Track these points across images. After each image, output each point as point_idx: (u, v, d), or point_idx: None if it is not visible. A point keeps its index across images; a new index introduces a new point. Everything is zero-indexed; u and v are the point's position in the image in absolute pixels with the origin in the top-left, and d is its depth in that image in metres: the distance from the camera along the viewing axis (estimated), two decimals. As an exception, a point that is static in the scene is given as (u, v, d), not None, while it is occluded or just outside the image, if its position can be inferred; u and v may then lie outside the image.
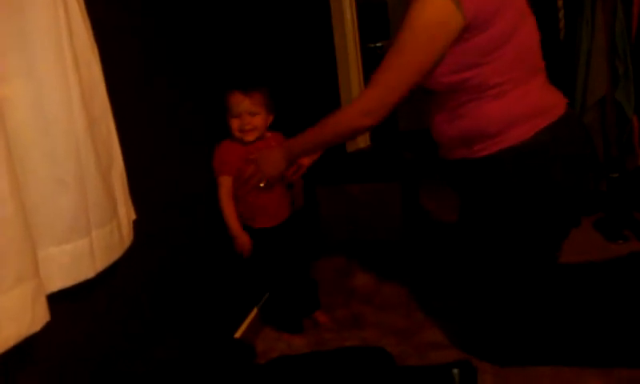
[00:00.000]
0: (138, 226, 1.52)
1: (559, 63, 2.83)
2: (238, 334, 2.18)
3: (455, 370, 1.69)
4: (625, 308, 1.79)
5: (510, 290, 1.76)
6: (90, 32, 1.32)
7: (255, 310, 2.34)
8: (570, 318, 1.79)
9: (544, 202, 1.67)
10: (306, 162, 2.19)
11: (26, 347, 1.14)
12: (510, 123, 1.64)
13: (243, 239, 2.12)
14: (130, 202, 1.49)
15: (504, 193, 1.70)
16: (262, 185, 2.04)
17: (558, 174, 1.65)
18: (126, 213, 1.45)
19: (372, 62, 3.75)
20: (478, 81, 1.61)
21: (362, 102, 1.71)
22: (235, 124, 2.08)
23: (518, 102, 1.63)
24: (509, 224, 1.72)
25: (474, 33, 1.53)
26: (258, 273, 2.28)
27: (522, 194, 1.68)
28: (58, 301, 1.20)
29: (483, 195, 1.76)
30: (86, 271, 1.26)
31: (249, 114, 2.07)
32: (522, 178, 1.66)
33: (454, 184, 1.87)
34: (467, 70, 1.60)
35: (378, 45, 3.98)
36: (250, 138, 2.10)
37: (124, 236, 1.42)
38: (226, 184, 2.10)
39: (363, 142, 3.77)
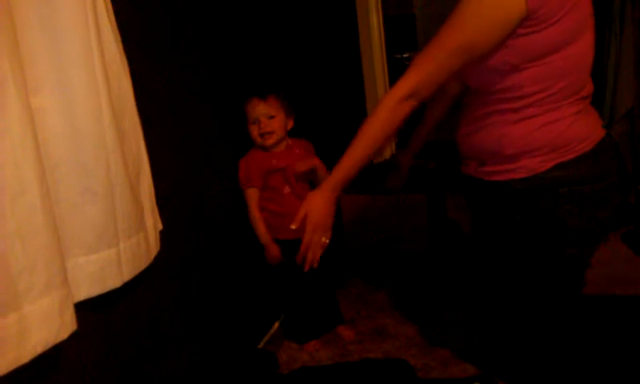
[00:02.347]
0: (164, 236, 1.55)
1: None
2: (261, 344, 2.19)
3: (477, 384, 1.69)
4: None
5: (524, 313, 1.70)
6: (120, 46, 1.35)
7: (279, 321, 2.35)
8: (589, 345, 1.75)
9: (549, 243, 1.57)
10: None
11: (54, 354, 1.17)
12: (528, 151, 1.51)
13: (273, 248, 2.14)
14: (156, 213, 1.52)
15: (509, 224, 1.61)
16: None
17: (566, 216, 1.52)
18: (153, 223, 1.48)
19: (398, 73, 3.76)
20: (511, 83, 1.48)
21: (407, 82, 1.53)
22: (254, 130, 2.12)
23: (543, 130, 1.49)
24: (515, 255, 1.64)
25: (530, 30, 1.39)
26: (280, 284, 2.29)
27: (526, 231, 1.58)
28: (84, 309, 1.23)
29: (490, 219, 1.69)
30: (113, 281, 1.29)
31: (266, 117, 2.10)
32: (527, 216, 1.56)
33: (466, 199, 1.83)
34: (506, 69, 1.47)
35: (404, 55, 3.97)
36: (270, 141, 2.12)
37: (151, 246, 1.44)
38: (254, 196, 2.12)
39: (389, 151, 3.77)
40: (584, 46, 1.48)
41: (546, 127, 1.49)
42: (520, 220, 1.57)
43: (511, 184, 1.55)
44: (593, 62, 1.55)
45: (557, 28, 1.39)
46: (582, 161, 1.50)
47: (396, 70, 3.76)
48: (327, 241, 1.70)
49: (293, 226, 1.67)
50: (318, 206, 1.67)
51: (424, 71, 1.52)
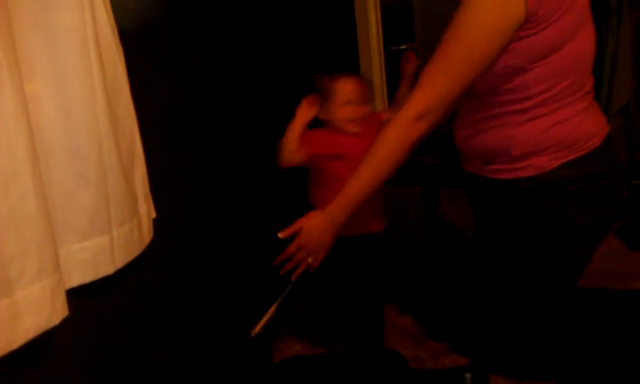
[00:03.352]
0: (157, 223, 1.55)
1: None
2: (254, 333, 2.20)
3: (467, 375, 1.69)
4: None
5: (521, 308, 1.70)
6: (116, 32, 1.34)
7: (272, 309, 2.36)
8: (584, 338, 1.76)
9: (555, 241, 1.57)
10: None
11: (47, 341, 1.17)
12: (538, 150, 1.50)
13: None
14: (150, 200, 1.52)
15: (514, 222, 1.60)
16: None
17: (573, 215, 1.52)
18: (146, 210, 1.48)
19: (395, 65, 3.75)
20: (517, 85, 1.46)
21: (416, 102, 1.46)
22: (346, 112, 1.94)
23: (553, 129, 1.48)
24: (518, 252, 1.63)
25: (531, 32, 1.37)
26: (325, 284, 2.14)
27: (532, 229, 1.58)
28: (77, 295, 1.24)
29: (494, 216, 1.68)
30: (106, 268, 1.30)
31: (361, 103, 1.95)
32: (533, 214, 1.55)
33: (468, 195, 1.82)
34: (510, 72, 1.45)
35: (401, 47, 3.96)
36: (356, 129, 1.96)
37: (144, 233, 1.45)
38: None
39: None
40: (584, 42, 1.48)
41: (556, 126, 1.48)
42: (526, 218, 1.56)
43: (518, 182, 1.54)
44: (594, 57, 1.54)
45: (556, 27, 1.38)
46: (590, 158, 1.50)
47: (393, 62, 3.76)
48: (315, 263, 1.60)
49: (280, 235, 1.57)
50: (313, 227, 1.58)
51: (430, 90, 1.45)
